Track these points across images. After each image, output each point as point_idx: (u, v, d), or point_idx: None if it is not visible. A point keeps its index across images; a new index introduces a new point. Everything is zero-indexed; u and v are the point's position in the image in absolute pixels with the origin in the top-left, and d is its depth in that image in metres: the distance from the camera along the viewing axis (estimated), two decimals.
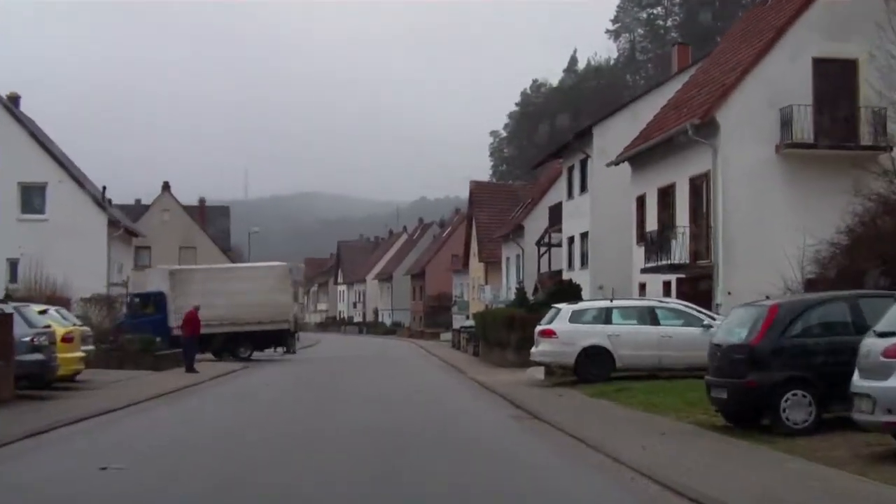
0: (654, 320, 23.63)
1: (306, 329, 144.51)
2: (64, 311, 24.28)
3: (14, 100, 44.65)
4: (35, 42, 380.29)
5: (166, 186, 74.49)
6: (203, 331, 33.65)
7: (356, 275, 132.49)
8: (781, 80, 29.31)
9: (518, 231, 58.10)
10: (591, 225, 42.82)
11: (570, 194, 47.24)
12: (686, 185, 31.68)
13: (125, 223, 45.67)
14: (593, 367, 23.24)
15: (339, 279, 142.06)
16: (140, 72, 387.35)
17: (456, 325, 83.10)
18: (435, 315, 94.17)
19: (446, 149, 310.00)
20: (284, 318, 41.36)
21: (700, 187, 30.80)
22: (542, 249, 53.53)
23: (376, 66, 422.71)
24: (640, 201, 36.43)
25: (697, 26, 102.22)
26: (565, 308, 24.28)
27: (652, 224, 34.59)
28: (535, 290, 48.30)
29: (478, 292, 71.21)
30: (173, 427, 17.10)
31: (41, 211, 42.05)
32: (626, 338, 23.27)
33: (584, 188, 44.70)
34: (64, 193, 42.19)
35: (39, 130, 45.29)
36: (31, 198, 42.08)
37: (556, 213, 50.28)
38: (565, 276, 45.57)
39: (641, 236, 35.85)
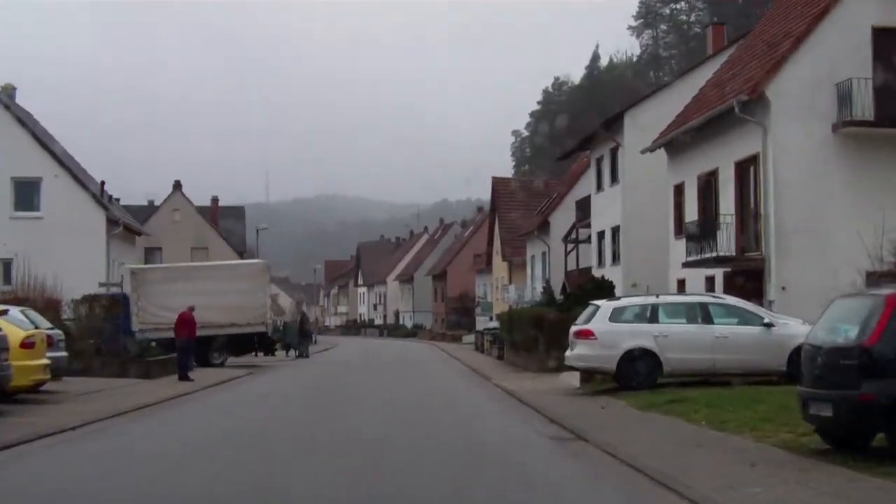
0: (707, 318, 20.52)
1: (326, 332, 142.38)
2: (32, 312, 21.43)
3: (10, 92, 42.19)
4: (54, 42, 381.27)
5: (178, 185, 71.95)
6: (168, 335, 30.41)
7: (376, 276, 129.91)
8: (838, 52, 26.28)
9: (544, 227, 55.21)
10: (623, 218, 39.90)
11: (599, 186, 44.31)
12: (731, 170, 28.67)
13: (126, 220, 43.07)
14: (637, 373, 20.17)
15: (360, 281, 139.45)
16: (158, 75, 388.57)
17: (479, 326, 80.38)
18: (457, 317, 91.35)
19: (468, 151, 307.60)
20: (261, 321, 37.58)
21: (747, 172, 27.81)
22: (570, 246, 50.63)
23: (397, 68, 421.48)
24: (678, 190, 33.47)
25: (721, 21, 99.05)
26: (605, 305, 21.24)
27: (692, 214, 31.63)
28: (563, 288, 45.40)
29: (501, 292, 68.33)
30: (117, 458, 13.13)
31: (36, 208, 39.52)
32: (675, 339, 20.20)
33: (614, 179, 41.79)
34: (60, 189, 39.70)
35: (36, 123, 42.83)
36: (25, 194, 39.56)
37: (584, 207, 47.36)
38: (595, 273, 42.61)
39: (680, 228, 32.91)
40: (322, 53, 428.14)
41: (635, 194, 39.26)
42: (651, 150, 34.81)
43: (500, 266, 71.94)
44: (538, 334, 29.86)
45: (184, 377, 27.00)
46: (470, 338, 68.83)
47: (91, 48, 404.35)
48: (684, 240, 32.15)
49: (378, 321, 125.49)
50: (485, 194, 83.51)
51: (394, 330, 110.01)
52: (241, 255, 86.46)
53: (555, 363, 28.02)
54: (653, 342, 20.21)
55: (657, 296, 22.52)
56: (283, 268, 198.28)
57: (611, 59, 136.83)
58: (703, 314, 20.61)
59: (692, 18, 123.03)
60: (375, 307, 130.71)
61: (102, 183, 41.73)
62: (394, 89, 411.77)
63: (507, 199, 72.01)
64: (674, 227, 33.71)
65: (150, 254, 71.99)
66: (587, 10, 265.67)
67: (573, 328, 21.41)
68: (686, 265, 30.01)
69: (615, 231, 41.53)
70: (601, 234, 43.82)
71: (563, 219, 53.26)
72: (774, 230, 25.90)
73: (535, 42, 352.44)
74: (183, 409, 20.47)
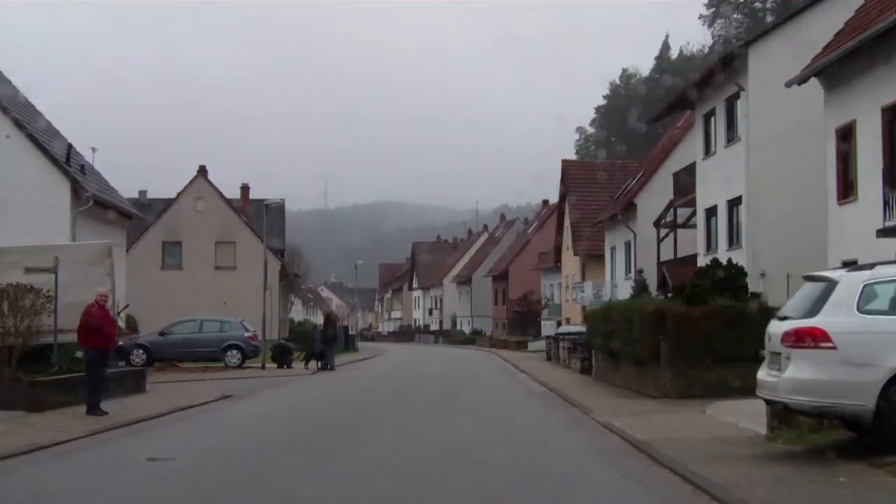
0: None
1: (379, 339, 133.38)
2: None
3: None
4: (117, 58, 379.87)
5: (202, 171, 63.03)
6: None
7: (432, 279, 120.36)
8: None
9: (629, 212, 45.20)
10: (747, 185, 29.95)
11: (707, 151, 34.32)
12: None
13: (103, 195, 33.74)
14: None
15: (414, 284, 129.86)
16: (217, 83, 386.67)
17: (546, 331, 70.42)
18: (521, 321, 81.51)
19: (531, 152, 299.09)
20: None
21: None
22: (663, 231, 40.69)
23: (459, 72, 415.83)
24: (844, 134, 23.43)
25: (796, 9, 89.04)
26: (846, 280, 10.93)
27: (869, 165, 21.64)
28: (663, 282, 35.39)
29: (573, 293, 58.40)
30: None
31: None
32: None
33: (731, 138, 31.85)
34: (12, 153, 30.70)
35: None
36: None
37: (684, 181, 37.42)
38: (700, 262, 32.80)
39: (848, 187, 22.97)
40: (385, 60, 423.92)
41: (764, 153, 29.39)
42: (802, 80, 24.76)
43: (570, 262, 62.06)
44: (656, 339, 19.86)
45: (94, 408, 17.43)
46: (537, 344, 58.99)
47: (157, 64, 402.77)
48: (855, 203, 22.25)
49: (433, 326, 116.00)
50: (549, 195, 74.93)
51: (449, 336, 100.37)
52: (281, 253, 77.94)
53: (684, 385, 18.31)
54: None
55: None
56: (339, 274, 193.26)
57: (681, 51, 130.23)
58: None
59: (767, 4, 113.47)
60: (430, 311, 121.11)
61: (70, 146, 32.56)
62: (455, 95, 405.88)
63: (578, 184, 62.11)
64: (838, 187, 23.67)
65: (169, 249, 63.41)
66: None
67: (779, 325, 11.32)
68: (885, 233, 19.87)
69: (733, 205, 31.58)
70: (711, 212, 33.86)
71: (652, 200, 43.34)
72: None
73: (599, 36, 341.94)
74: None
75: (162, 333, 36.47)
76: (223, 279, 61.62)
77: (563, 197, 65.39)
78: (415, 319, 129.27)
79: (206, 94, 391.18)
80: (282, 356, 35.74)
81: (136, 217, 39.76)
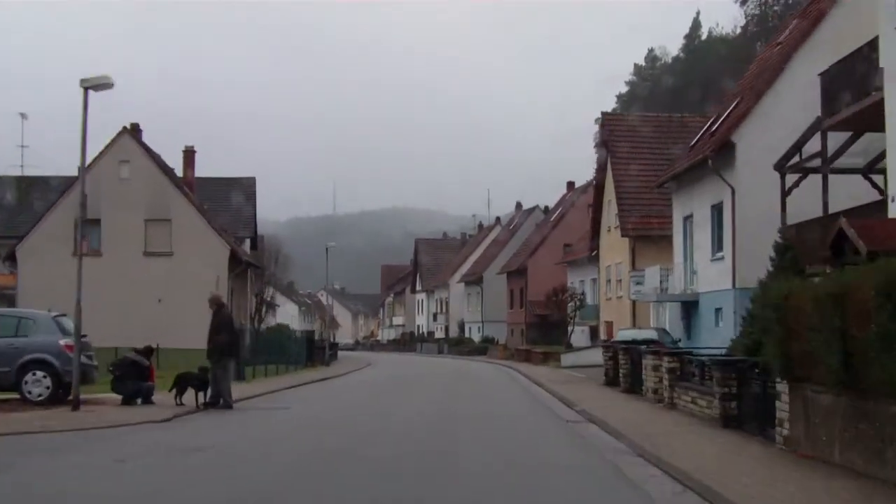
0: None
1: (378, 348, 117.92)
2: None
3: None
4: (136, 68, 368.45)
5: (128, 130, 47.92)
6: None
7: (437, 279, 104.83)
8: None
9: (721, 158, 29.65)
10: None
11: None
12: None
13: None
14: None
15: (418, 286, 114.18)
16: (223, 86, 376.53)
17: (577, 339, 54.88)
18: (543, 327, 66.08)
19: (546, 154, 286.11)
20: None
21: None
22: (793, 178, 25.41)
23: (470, 78, 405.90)
24: None
25: None
26: None
27: None
28: (838, 249, 19.69)
29: (627, 285, 43.03)
30: None
31: None
32: None
33: None
34: None
35: None
36: None
37: (841, 82, 22.15)
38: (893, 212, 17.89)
39: None
40: (397, 66, 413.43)
41: None
42: None
43: (615, 247, 46.80)
44: None
45: None
46: (574, 358, 43.60)
47: (157, 63, 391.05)
48: None
49: (439, 334, 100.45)
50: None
51: (457, 344, 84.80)
52: (253, 241, 62.77)
53: None
54: None
55: None
56: (346, 280, 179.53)
57: (710, 33, 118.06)
58: None
59: None
60: (435, 317, 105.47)
61: None
62: (467, 97, 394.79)
63: (626, 143, 46.96)
64: None
65: (84, 229, 48.07)
66: None
67: None
68: None
69: None
70: None
71: (763, 135, 28.16)
72: None
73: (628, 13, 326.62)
74: None
75: None
76: (156, 268, 46.58)
77: (601, 166, 50.27)
78: (418, 326, 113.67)
79: (212, 97, 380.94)
80: (124, 384, 19.79)
81: None
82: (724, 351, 23.82)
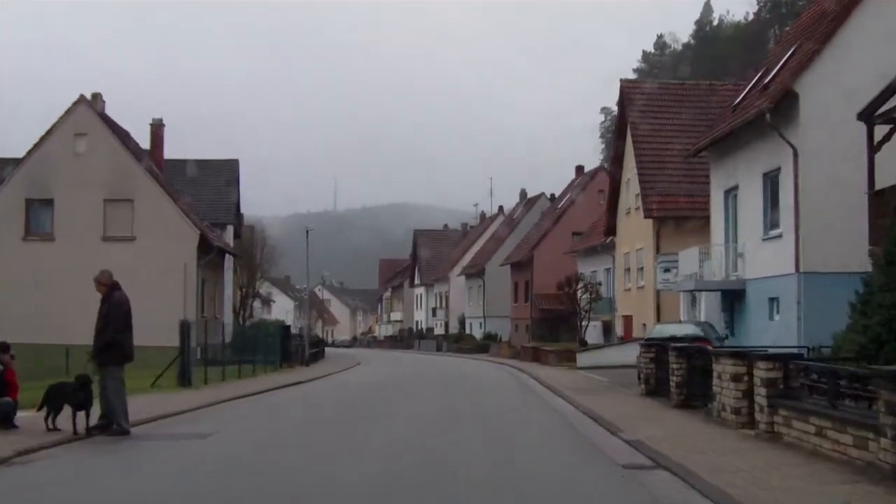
0: None
1: (375, 345, 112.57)
2: None
3: None
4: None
5: (85, 100, 42.42)
6: None
7: (437, 273, 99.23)
8: None
9: (780, 112, 24.00)
10: None
11: None
12: None
13: None
14: None
15: (416, 280, 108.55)
16: (224, 83, 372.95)
17: (591, 336, 49.37)
18: (550, 322, 60.60)
19: (548, 146, 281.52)
20: None
21: None
22: (883, 129, 19.96)
23: (471, 74, 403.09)
24: None
25: None
26: None
27: None
28: None
29: (649, 274, 37.57)
30: None
31: None
32: None
33: None
34: None
35: None
36: None
37: None
38: None
39: None
40: (396, 62, 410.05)
41: None
42: None
43: (636, 230, 41.30)
44: None
45: None
46: (591, 357, 38.17)
47: (157, 62, 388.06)
48: None
49: (438, 330, 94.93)
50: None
51: (457, 341, 79.26)
52: (236, 228, 57.32)
53: None
54: None
55: None
56: (346, 276, 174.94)
57: (721, 20, 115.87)
58: None
59: None
60: (434, 312, 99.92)
61: None
62: (468, 95, 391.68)
63: (649, 115, 41.51)
64: None
65: (35, 210, 42.73)
66: None
67: None
68: None
69: None
70: None
71: (834, 82, 22.74)
72: None
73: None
74: None
75: None
76: (116, 254, 40.96)
77: (619, 138, 44.78)
78: (416, 322, 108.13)
79: (212, 93, 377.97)
80: None
81: None
82: (803, 352, 18.45)
